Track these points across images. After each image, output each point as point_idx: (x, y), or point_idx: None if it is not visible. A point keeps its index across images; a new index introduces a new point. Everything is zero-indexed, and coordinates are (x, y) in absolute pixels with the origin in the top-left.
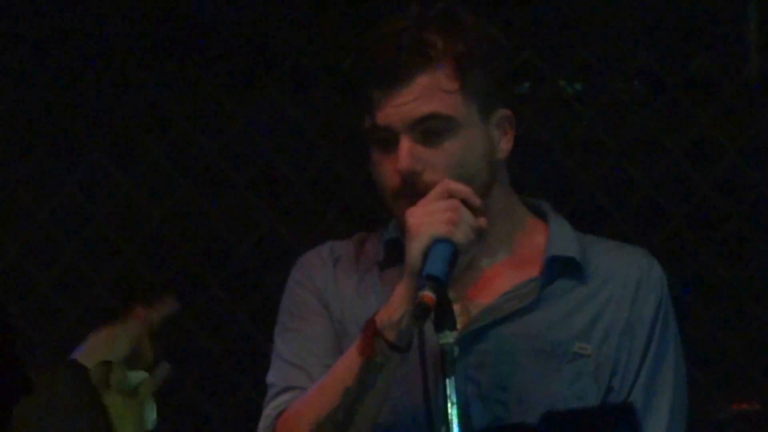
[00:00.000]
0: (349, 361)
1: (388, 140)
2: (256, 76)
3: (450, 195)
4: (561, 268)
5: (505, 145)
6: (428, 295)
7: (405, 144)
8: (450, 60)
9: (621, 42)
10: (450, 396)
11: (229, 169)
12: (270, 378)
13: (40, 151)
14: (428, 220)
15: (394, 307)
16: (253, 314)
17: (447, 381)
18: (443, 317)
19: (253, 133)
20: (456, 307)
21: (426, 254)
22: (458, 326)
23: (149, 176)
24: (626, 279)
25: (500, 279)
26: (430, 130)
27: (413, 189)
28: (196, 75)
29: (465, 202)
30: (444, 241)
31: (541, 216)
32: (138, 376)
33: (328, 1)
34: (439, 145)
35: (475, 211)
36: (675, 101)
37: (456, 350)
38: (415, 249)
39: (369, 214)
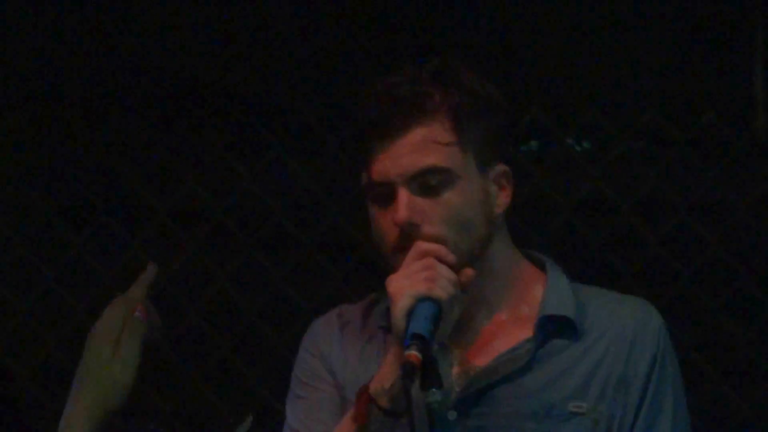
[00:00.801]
0: (346, 428)
1: (386, 195)
2: (263, 136)
3: (425, 255)
4: (555, 328)
5: (502, 200)
6: (414, 354)
7: (403, 196)
8: (447, 112)
9: (628, 100)
10: None
11: (237, 229)
12: None
13: (49, 213)
14: (407, 282)
15: (385, 373)
16: (262, 375)
17: None
18: (429, 376)
19: (260, 193)
20: (456, 370)
21: (409, 315)
22: (457, 388)
23: (157, 237)
24: (622, 333)
25: (498, 338)
26: (428, 182)
27: (412, 242)
28: (204, 135)
29: (440, 260)
30: (425, 300)
31: (542, 268)
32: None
33: (336, 62)
34: (437, 197)
35: (452, 267)
36: (682, 159)
37: (453, 414)
38: (398, 312)
39: (378, 274)
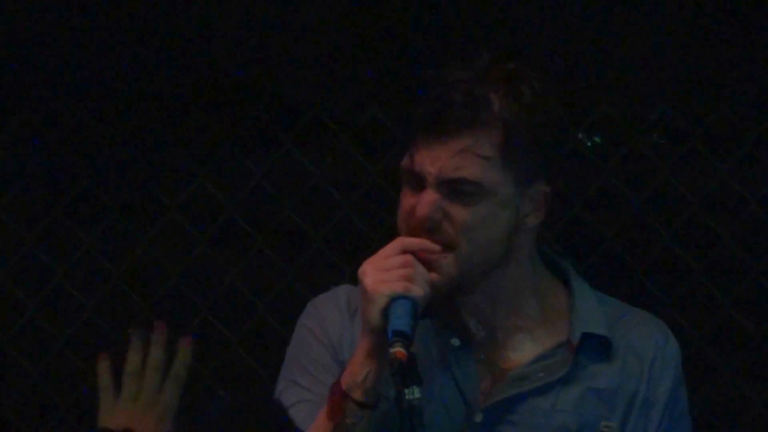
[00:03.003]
0: (322, 427)
1: (419, 182)
2: (274, 131)
3: (404, 250)
4: (589, 344)
5: (532, 220)
6: (400, 351)
7: (429, 195)
8: (499, 125)
9: (639, 94)
10: None
11: (248, 225)
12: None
13: (58, 210)
14: (383, 278)
15: (356, 367)
16: (272, 372)
17: None
18: (410, 373)
19: (271, 189)
20: (481, 369)
21: (385, 313)
22: (483, 389)
23: (167, 232)
24: (645, 354)
25: (525, 342)
26: (458, 190)
27: (426, 234)
28: (215, 131)
29: (425, 251)
30: (402, 298)
31: (561, 276)
32: None
33: (347, 56)
34: (463, 205)
35: (438, 259)
36: (695, 153)
37: (480, 416)
38: (373, 309)
39: None
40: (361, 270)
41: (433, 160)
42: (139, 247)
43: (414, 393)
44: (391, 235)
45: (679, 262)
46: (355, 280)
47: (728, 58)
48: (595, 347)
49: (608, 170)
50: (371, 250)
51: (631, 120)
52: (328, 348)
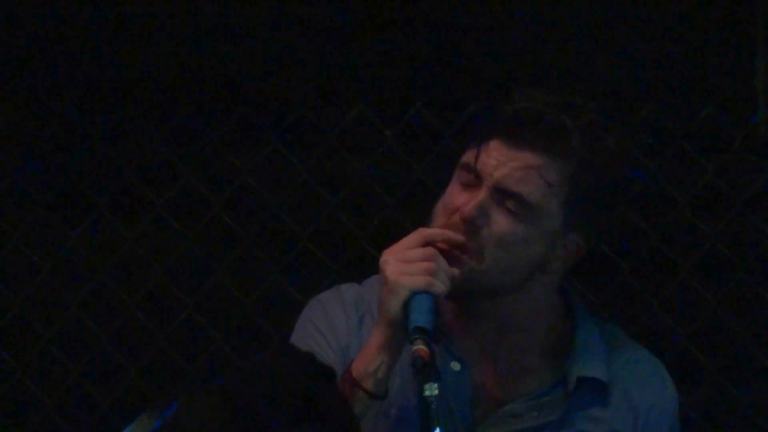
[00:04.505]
0: None
1: (473, 179)
2: (261, 129)
3: (426, 242)
4: (586, 386)
5: (558, 265)
6: (423, 348)
7: (481, 197)
8: (575, 161)
9: (627, 93)
10: None
11: (234, 222)
12: None
13: (42, 206)
14: (406, 271)
15: (370, 356)
16: None
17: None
18: (429, 370)
19: (257, 187)
20: (475, 393)
21: (406, 307)
22: (475, 416)
23: (153, 230)
24: (642, 398)
25: (524, 377)
26: (510, 204)
27: (463, 233)
28: (201, 128)
29: (447, 243)
30: (424, 293)
31: (566, 304)
32: None
33: (335, 54)
34: (508, 218)
35: (460, 248)
36: (682, 152)
37: None
38: (394, 302)
39: (375, 269)
40: (382, 260)
41: (498, 165)
42: (125, 243)
43: (433, 390)
44: (379, 232)
45: (666, 262)
46: (341, 279)
47: (715, 57)
48: (591, 390)
49: None
50: (358, 248)
51: (618, 120)
52: (336, 350)
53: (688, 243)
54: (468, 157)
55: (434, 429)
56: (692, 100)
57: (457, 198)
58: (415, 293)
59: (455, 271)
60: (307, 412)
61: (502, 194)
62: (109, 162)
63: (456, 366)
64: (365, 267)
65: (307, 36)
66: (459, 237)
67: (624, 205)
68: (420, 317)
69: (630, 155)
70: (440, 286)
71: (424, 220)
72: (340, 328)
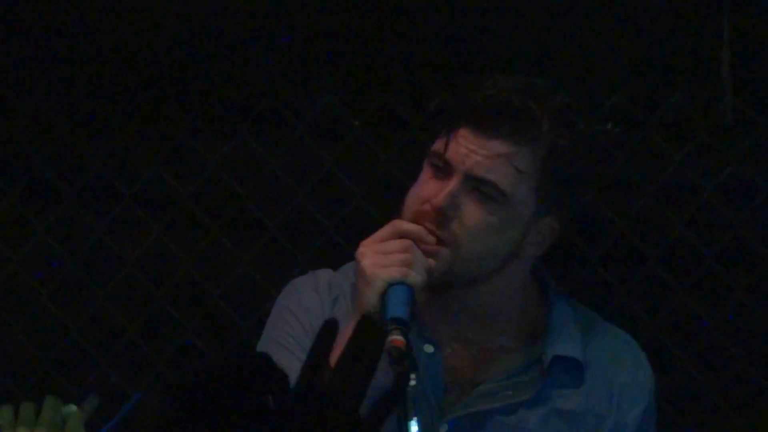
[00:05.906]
0: None
1: (444, 168)
2: (229, 120)
3: (402, 235)
4: (561, 366)
5: (532, 250)
6: (399, 339)
7: (452, 186)
8: (544, 145)
9: (594, 83)
10: None
11: (202, 213)
12: None
13: (13, 195)
14: (382, 263)
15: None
16: None
17: (410, 423)
18: (407, 361)
19: (226, 177)
20: (448, 377)
21: (382, 298)
22: (449, 399)
23: (121, 220)
24: (618, 378)
25: (498, 359)
26: (482, 191)
27: (433, 224)
28: (170, 119)
29: (419, 241)
30: (400, 284)
31: (541, 287)
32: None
33: (303, 45)
34: (480, 206)
35: (435, 249)
36: (649, 141)
37: (445, 427)
38: (370, 293)
39: (343, 258)
40: (359, 251)
41: (468, 153)
42: (93, 235)
43: (410, 381)
44: (347, 222)
45: (633, 251)
46: (310, 269)
47: (681, 46)
48: (567, 369)
49: None
50: (325, 238)
51: (585, 109)
52: (309, 331)
53: (656, 231)
54: (438, 145)
55: (411, 419)
56: (659, 89)
57: (428, 187)
58: (391, 284)
59: (431, 261)
60: (256, 416)
61: (473, 183)
62: (77, 153)
63: (429, 348)
64: (333, 256)
65: (274, 25)
66: (430, 238)
67: (595, 184)
68: (396, 308)
69: (594, 134)
70: (417, 277)
71: (393, 210)
72: (313, 311)
